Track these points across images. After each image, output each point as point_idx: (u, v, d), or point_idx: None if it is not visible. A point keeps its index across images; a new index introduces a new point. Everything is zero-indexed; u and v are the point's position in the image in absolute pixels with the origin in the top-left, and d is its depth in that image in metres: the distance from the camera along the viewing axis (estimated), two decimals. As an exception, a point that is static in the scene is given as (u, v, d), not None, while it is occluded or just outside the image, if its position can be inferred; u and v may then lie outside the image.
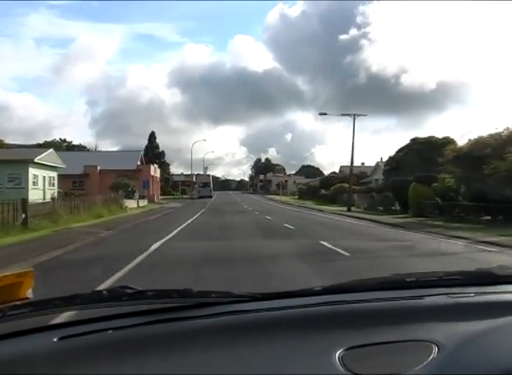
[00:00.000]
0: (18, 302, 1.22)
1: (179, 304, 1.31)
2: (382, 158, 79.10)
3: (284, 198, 72.16)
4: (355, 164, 54.62)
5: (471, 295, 1.39)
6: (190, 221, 26.12)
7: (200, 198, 79.93)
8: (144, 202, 48.55)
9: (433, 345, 1.07)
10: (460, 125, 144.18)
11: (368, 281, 1.56)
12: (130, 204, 41.89)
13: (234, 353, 1.07)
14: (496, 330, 1.16)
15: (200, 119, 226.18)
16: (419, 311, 1.27)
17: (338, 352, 1.04)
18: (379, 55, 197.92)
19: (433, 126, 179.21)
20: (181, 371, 1.01)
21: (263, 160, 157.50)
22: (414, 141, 50.88)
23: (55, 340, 1.14)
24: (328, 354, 1.04)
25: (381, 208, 38.55)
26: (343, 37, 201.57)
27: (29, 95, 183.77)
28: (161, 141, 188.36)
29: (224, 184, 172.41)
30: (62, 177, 44.04)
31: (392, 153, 52.44)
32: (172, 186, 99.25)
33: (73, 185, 51.35)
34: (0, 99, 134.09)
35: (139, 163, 60.40)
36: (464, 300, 1.34)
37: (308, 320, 1.21)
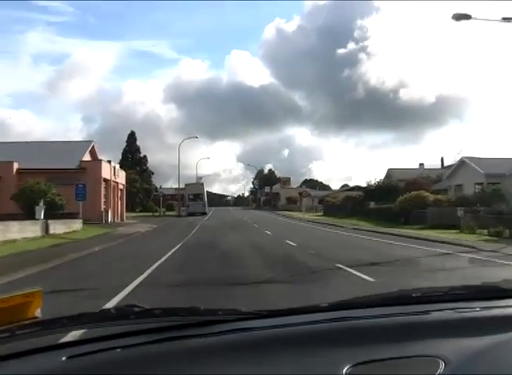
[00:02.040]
0: (26, 322, 1.22)
1: (187, 322, 1.31)
2: (442, 159, 58.26)
3: (307, 216, 50.39)
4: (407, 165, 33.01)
5: (477, 310, 1.37)
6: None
7: (191, 215, 58.58)
8: (76, 224, 26.24)
9: (440, 361, 1.07)
10: (459, 139, 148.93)
11: (373, 297, 1.56)
12: (57, 228, 22.77)
13: (241, 370, 1.08)
14: (503, 345, 1.16)
15: (197, 135, 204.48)
16: (425, 326, 1.27)
17: (345, 369, 1.05)
18: (378, 69, 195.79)
19: (432, 140, 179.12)
20: None
21: (266, 172, 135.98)
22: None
23: (63, 359, 1.15)
24: (336, 370, 1.05)
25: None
26: (340, 51, 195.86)
27: (26, 112, 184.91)
28: (158, 158, 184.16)
29: (221, 200, 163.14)
30: None
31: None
32: (157, 200, 76.83)
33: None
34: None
35: (87, 159, 37.86)
36: (469, 315, 1.34)
37: (315, 337, 1.21)
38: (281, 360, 1.11)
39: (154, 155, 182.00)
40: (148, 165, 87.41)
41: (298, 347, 1.16)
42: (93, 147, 41.66)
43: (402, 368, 1.07)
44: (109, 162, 39.44)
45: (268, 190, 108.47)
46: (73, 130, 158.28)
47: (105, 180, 37.77)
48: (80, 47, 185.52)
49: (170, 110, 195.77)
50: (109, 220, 35.91)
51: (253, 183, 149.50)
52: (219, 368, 1.09)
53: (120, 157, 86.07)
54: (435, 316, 1.33)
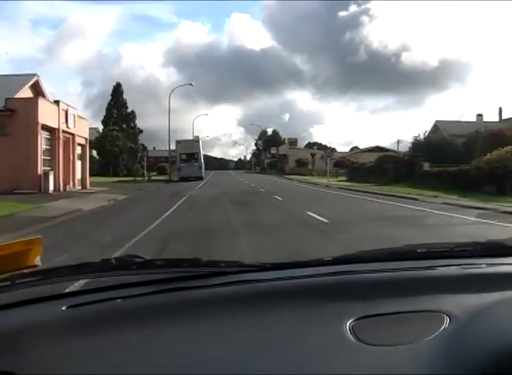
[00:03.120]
0: (26, 270, 1.22)
1: (189, 273, 1.30)
2: (501, 110, 46.01)
3: (332, 181, 38.94)
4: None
5: (483, 266, 1.36)
6: None
7: (183, 179, 47.18)
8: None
9: (444, 316, 1.06)
10: (462, 104, 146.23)
11: (378, 251, 1.56)
12: None
13: (243, 322, 1.08)
14: (508, 302, 1.15)
15: (197, 99, 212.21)
16: (430, 282, 1.25)
17: (348, 322, 1.04)
18: (380, 33, 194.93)
19: (434, 104, 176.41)
20: (191, 339, 1.02)
21: (270, 133, 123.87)
22: None
23: (63, 308, 1.14)
24: (339, 324, 1.04)
25: None
26: (342, 13, 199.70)
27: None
28: (157, 122, 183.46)
29: (221, 163, 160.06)
30: None
31: None
32: (149, 164, 64.83)
33: None
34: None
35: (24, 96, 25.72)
36: (475, 271, 1.32)
37: (318, 290, 1.21)
38: (283, 312, 1.10)
39: (153, 119, 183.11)
40: (137, 122, 75.41)
41: (301, 299, 1.15)
42: (37, 82, 28.81)
43: (406, 322, 1.06)
44: (57, 102, 26.88)
45: (275, 151, 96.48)
46: (73, 95, 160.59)
47: (49, 129, 25.73)
48: (79, 10, 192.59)
49: (170, 74, 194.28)
50: (50, 188, 24.15)
51: (256, 144, 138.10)
52: (221, 319, 1.08)
53: (105, 113, 74.36)
54: (441, 271, 1.31)
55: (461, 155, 32.60)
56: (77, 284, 1.43)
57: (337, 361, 0.95)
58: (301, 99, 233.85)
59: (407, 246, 1.63)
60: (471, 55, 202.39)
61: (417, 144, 37.07)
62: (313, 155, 77.51)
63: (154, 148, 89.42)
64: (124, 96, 74.93)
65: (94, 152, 59.78)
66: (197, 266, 1.34)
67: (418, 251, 1.54)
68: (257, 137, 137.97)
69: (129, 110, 75.09)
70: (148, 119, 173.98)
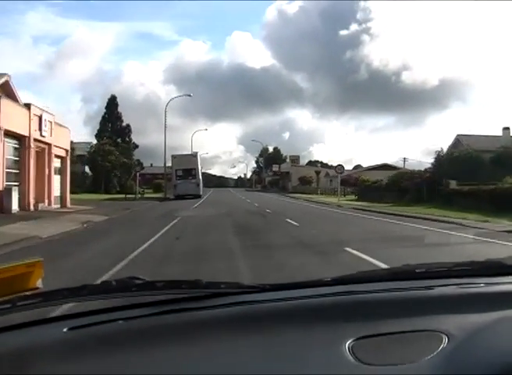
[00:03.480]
0: (27, 293, 1.23)
1: (189, 294, 1.32)
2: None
3: (342, 201, 34.97)
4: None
5: (482, 286, 1.38)
6: None
7: (179, 197, 43.25)
8: None
9: (443, 335, 1.07)
10: (463, 123, 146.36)
11: (376, 272, 1.61)
12: None
13: (244, 342, 1.09)
14: (507, 321, 1.17)
15: (197, 117, 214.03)
16: (429, 301, 1.27)
17: (348, 342, 1.05)
18: (381, 51, 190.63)
19: (434, 124, 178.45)
20: (191, 360, 1.03)
21: (271, 150, 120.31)
22: None
23: (64, 330, 1.15)
24: (338, 344, 1.05)
25: None
26: (343, 32, 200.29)
27: (26, 92, 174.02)
28: (157, 139, 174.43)
29: (221, 181, 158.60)
30: None
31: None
32: (140, 179, 60.62)
33: None
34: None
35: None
36: (473, 290, 1.34)
37: (318, 311, 1.22)
38: (283, 333, 1.11)
39: (152, 136, 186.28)
40: (136, 138, 72.00)
41: (301, 320, 1.16)
42: (6, 83, 24.30)
43: (405, 342, 1.07)
44: (28, 105, 23.08)
45: (277, 168, 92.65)
46: (73, 112, 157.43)
47: (17, 136, 21.72)
48: (80, 28, 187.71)
49: (170, 91, 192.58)
50: (14, 207, 20.01)
51: (257, 161, 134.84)
52: (221, 340, 1.09)
53: (99, 127, 70.76)
54: (439, 291, 1.32)
55: (489, 172, 28.78)
56: (78, 306, 1.37)
57: None
58: (301, 117, 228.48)
59: (406, 266, 1.61)
60: (472, 73, 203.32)
61: (439, 160, 33.14)
62: (318, 173, 73.74)
63: (151, 165, 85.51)
64: (119, 109, 71.40)
65: (87, 168, 55.91)
66: (197, 288, 1.34)
67: (417, 271, 1.54)
68: (257, 155, 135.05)
69: (124, 124, 71.51)
70: (148, 136, 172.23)
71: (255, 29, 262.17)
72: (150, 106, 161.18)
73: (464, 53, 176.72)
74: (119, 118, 70.90)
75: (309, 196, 52.82)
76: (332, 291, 1.33)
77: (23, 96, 27.07)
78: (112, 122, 70.21)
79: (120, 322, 1.17)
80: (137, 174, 43.57)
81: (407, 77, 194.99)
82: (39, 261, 1.26)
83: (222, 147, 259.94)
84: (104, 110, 70.75)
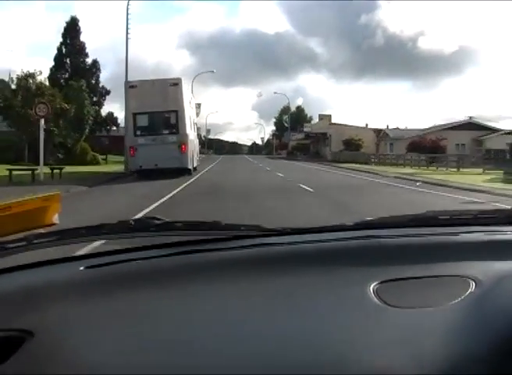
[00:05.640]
0: (43, 230, 1.22)
1: (208, 236, 1.30)
2: None
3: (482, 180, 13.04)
4: None
5: (508, 233, 1.35)
6: None
7: (143, 174, 20.81)
8: None
9: (470, 281, 1.04)
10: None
11: (400, 218, 1.54)
12: None
13: (263, 284, 1.07)
14: None
15: (210, 83, 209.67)
16: (454, 247, 1.23)
17: (372, 285, 1.02)
18: (397, 16, 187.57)
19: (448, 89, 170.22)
20: (209, 300, 1.02)
21: (293, 109, 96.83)
22: None
23: (81, 269, 1.14)
24: (363, 286, 1.02)
25: None
26: None
27: (41, 58, 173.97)
28: None
29: (234, 147, 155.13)
30: None
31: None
32: (99, 142, 36.15)
33: None
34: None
35: None
36: (500, 238, 1.30)
37: (340, 254, 1.19)
38: (304, 275, 1.09)
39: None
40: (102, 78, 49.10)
41: (322, 263, 1.13)
42: None
43: (431, 286, 1.04)
44: None
45: (309, 128, 69.33)
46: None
47: None
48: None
49: (183, 57, 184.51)
50: None
51: (277, 122, 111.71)
52: (239, 281, 1.08)
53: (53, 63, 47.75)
54: (465, 237, 1.30)
55: None
56: (95, 245, 1.28)
57: (361, 322, 0.93)
58: (315, 83, 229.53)
59: (430, 212, 1.56)
60: (487, 40, 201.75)
61: None
62: (378, 133, 50.62)
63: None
64: (82, 38, 48.21)
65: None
66: (216, 229, 1.33)
67: (441, 217, 1.53)
68: (277, 115, 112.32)
69: (88, 59, 48.37)
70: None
71: None
72: (162, 72, 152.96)
73: (481, 19, 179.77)
74: (80, 50, 47.74)
75: (373, 168, 31.78)
76: (355, 236, 1.29)
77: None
78: (71, 55, 47.10)
79: (138, 261, 1.16)
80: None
81: (422, 42, 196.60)
82: (57, 194, 1.23)
83: (235, 113, 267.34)
84: (61, 40, 47.61)
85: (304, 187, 15.41)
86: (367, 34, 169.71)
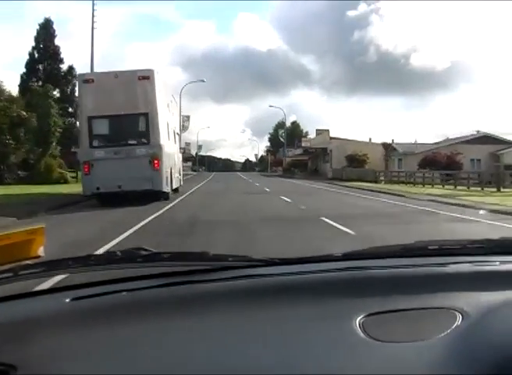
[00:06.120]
0: (29, 261, 1.22)
1: (196, 267, 1.29)
2: None
3: None
4: None
5: (496, 264, 1.33)
6: None
7: (104, 199, 15.41)
8: None
9: (457, 313, 1.04)
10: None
11: (388, 248, 1.55)
12: None
13: (251, 316, 1.07)
14: None
15: (203, 99, 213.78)
16: (442, 278, 1.23)
17: (358, 318, 1.02)
18: (389, 33, 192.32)
19: (440, 106, 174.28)
20: (196, 333, 1.01)
21: (289, 124, 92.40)
22: None
23: (67, 301, 1.13)
24: (349, 319, 1.02)
25: None
26: (351, 13, 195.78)
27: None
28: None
29: (227, 164, 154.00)
30: None
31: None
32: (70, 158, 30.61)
33: None
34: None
35: None
36: (488, 269, 1.30)
37: (327, 285, 1.19)
38: (291, 307, 1.09)
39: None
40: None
41: (310, 295, 1.13)
42: None
43: (417, 319, 1.04)
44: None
45: (308, 143, 64.14)
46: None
47: None
48: (84, 10, 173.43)
49: (176, 73, 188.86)
50: None
51: (271, 138, 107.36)
52: (228, 313, 1.07)
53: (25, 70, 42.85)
54: (453, 268, 1.29)
55: None
56: (81, 277, 1.35)
57: (346, 356, 0.93)
58: (309, 100, 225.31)
59: (419, 242, 1.57)
60: (481, 55, 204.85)
61: None
62: (387, 147, 45.60)
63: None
64: (57, 42, 43.24)
65: None
66: (204, 260, 1.32)
67: (430, 247, 1.52)
68: (272, 131, 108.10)
69: (62, 65, 43.35)
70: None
71: (262, 10, 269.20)
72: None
73: (473, 35, 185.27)
74: (55, 56, 42.71)
75: (387, 187, 26.80)
76: (343, 266, 1.29)
77: None
78: (44, 60, 42.09)
79: (124, 293, 1.15)
80: None
81: (415, 59, 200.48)
82: (41, 227, 1.23)
83: (228, 130, 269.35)
84: (33, 44, 42.59)
85: (332, 223, 10.20)
86: (359, 51, 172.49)
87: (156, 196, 15.90)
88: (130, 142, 15.58)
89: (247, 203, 16.44)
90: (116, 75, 15.79)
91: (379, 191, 24.94)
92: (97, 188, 15.23)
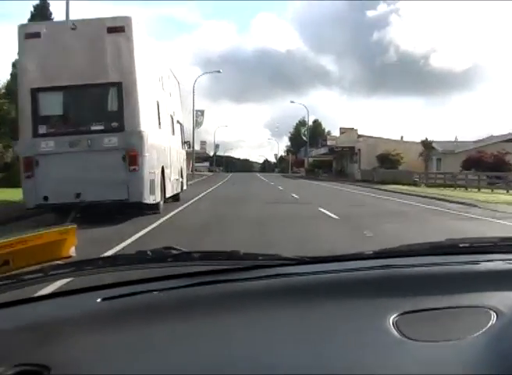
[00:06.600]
0: (60, 261, 1.22)
1: (226, 266, 1.29)
2: None
3: None
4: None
5: None
6: None
7: (57, 210, 10.16)
8: None
9: (491, 312, 1.02)
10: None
11: (419, 246, 1.51)
12: None
13: (282, 316, 1.06)
14: None
15: (222, 100, 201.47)
16: (474, 277, 1.22)
17: (392, 317, 1.01)
18: (409, 33, 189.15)
19: (459, 106, 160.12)
20: (228, 332, 1.01)
21: (310, 123, 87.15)
22: None
23: (98, 300, 1.14)
24: (382, 319, 1.00)
25: None
26: (371, 13, 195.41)
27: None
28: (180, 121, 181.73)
29: (245, 165, 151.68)
30: None
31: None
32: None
33: None
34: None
35: None
36: None
37: (359, 284, 1.18)
38: (323, 306, 1.08)
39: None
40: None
41: (341, 293, 1.13)
42: None
43: (451, 318, 1.02)
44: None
45: (333, 142, 58.61)
46: None
47: None
48: (104, 10, 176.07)
49: (195, 73, 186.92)
50: None
51: (291, 138, 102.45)
52: (259, 312, 1.06)
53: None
54: (485, 266, 1.27)
55: None
56: (112, 276, 1.34)
57: (382, 356, 0.92)
58: (328, 100, 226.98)
59: (449, 240, 1.54)
60: (499, 58, 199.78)
61: None
62: (428, 145, 40.01)
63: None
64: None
65: None
66: (234, 259, 1.31)
67: (461, 245, 1.50)
68: (292, 130, 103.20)
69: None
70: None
71: (281, 10, 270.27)
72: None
73: (494, 37, 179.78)
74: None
75: (449, 193, 21.88)
76: (374, 265, 1.27)
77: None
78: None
79: (155, 293, 1.16)
80: None
81: (434, 59, 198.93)
82: (73, 228, 1.24)
83: (246, 130, 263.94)
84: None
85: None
86: (379, 51, 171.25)
87: (138, 208, 10.79)
88: (94, 128, 10.21)
89: (272, 221, 10.92)
90: (74, 26, 10.28)
91: (435, 198, 19.88)
92: (45, 198, 10.03)
